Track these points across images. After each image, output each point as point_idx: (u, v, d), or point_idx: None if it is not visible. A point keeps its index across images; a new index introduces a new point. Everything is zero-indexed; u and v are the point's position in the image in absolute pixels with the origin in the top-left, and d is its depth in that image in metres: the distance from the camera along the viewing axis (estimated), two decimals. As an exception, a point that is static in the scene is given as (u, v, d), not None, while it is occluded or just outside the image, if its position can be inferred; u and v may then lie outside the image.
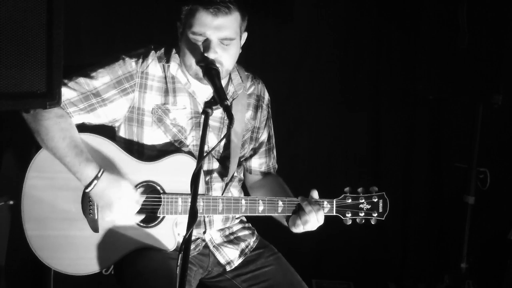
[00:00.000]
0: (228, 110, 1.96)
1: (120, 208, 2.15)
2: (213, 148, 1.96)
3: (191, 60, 2.20)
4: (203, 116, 2.30)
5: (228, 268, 2.41)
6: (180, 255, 1.62)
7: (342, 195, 2.36)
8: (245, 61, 2.47)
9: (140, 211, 2.22)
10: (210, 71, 2.12)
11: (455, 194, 3.48)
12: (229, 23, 2.18)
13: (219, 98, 2.00)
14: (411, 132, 3.81)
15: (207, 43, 2.18)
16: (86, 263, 2.22)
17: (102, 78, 2.24)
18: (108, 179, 2.14)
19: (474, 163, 3.27)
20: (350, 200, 2.36)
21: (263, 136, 2.56)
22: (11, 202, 2.33)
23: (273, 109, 2.67)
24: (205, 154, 1.85)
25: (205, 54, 2.17)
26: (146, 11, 3.40)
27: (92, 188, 2.13)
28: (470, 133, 3.26)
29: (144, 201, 2.24)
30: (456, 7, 3.03)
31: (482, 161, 3.29)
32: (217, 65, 2.18)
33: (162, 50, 2.33)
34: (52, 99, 1.85)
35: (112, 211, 2.15)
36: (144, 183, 2.25)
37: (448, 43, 3.12)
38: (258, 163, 2.58)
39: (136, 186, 2.23)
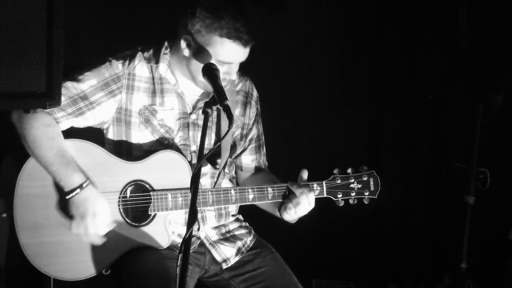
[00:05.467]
0: (228, 110, 1.96)
1: (90, 225, 2.14)
2: (212, 149, 1.96)
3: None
4: (192, 116, 2.34)
5: (224, 266, 2.41)
6: (180, 255, 1.62)
7: (331, 176, 2.36)
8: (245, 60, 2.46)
9: (127, 213, 2.23)
10: (210, 72, 2.12)
11: (455, 194, 3.48)
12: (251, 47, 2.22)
13: (219, 98, 2.00)
14: (411, 132, 3.81)
15: (231, 69, 2.22)
16: (83, 266, 2.22)
17: (89, 81, 2.25)
18: (91, 192, 2.15)
19: (474, 163, 3.27)
20: (339, 181, 2.36)
21: (253, 133, 2.56)
22: (4, 215, 2.32)
23: (273, 108, 2.67)
24: (204, 154, 1.85)
25: (226, 76, 2.21)
26: (146, 10, 3.40)
27: (73, 196, 2.13)
28: (470, 133, 3.26)
29: (135, 199, 2.25)
30: (456, 7, 3.03)
31: (482, 161, 3.29)
32: (228, 81, 2.25)
33: (151, 51, 2.34)
34: (52, 99, 1.85)
35: (81, 225, 2.14)
36: (132, 183, 2.25)
37: (448, 43, 3.12)
38: (249, 160, 2.58)
39: (125, 186, 2.24)
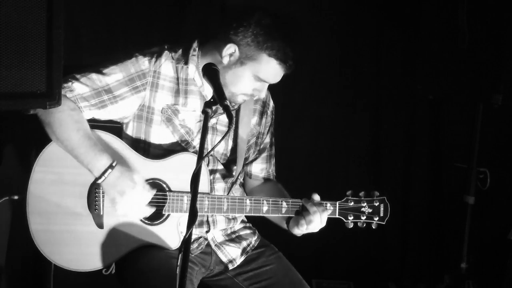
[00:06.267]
0: (227, 110, 1.95)
1: (133, 199, 2.14)
2: (212, 149, 1.96)
3: (237, 90, 2.24)
4: (212, 121, 2.35)
5: (230, 267, 2.42)
6: (180, 255, 1.62)
7: (345, 198, 2.39)
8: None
9: (150, 204, 2.21)
10: (211, 71, 2.12)
11: (455, 194, 3.48)
12: None
13: (219, 97, 2.00)
14: (411, 132, 3.81)
15: (264, 87, 2.27)
16: (89, 258, 2.22)
17: (114, 75, 2.25)
18: (121, 170, 2.15)
19: (474, 163, 3.26)
20: (352, 203, 2.39)
21: (266, 142, 2.59)
22: (16, 197, 2.33)
23: (273, 108, 2.67)
24: (205, 154, 1.85)
25: (256, 93, 2.27)
26: (146, 10, 3.40)
27: (105, 178, 2.12)
28: (470, 133, 3.26)
29: (156, 190, 2.24)
30: (456, 7, 3.03)
31: (482, 161, 3.28)
32: (255, 97, 2.33)
33: (180, 52, 2.33)
34: (52, 99, 1.85)
35: (125, 201, 2.13)
36: (150, 181, 2.25)
37: (448, 43, 3.12)
38: (259, 168, 2.60)
39: None
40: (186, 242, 1.63)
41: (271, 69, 2.21)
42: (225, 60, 2.23)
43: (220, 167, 2.41)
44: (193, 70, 2.32)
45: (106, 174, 2.12)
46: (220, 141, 1.97)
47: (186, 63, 2.31)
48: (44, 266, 2.30)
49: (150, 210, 2.21)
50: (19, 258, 2.73)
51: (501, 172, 3.42)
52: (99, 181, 2.14)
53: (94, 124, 2.28)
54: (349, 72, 3.73)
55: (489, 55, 2.98)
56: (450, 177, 3.70)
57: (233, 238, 2.47)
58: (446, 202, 3.76)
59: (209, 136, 2.36)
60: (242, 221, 2.56)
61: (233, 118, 1.97)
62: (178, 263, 1.62)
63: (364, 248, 3.84)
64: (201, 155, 1.84)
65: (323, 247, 3.80)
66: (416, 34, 3.43)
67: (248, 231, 2.53)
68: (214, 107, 2.21)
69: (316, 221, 2.27)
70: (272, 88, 2.60)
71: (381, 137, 3.81)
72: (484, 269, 3.55)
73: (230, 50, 2.22)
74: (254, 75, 2.22)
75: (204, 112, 1.98)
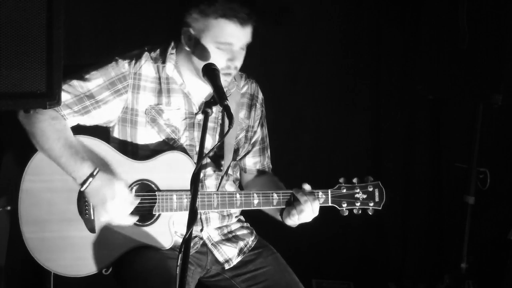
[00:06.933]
0: (228, 110, 1.96)
1: (113, 208, 2.14)
2: (212, 149, 1.96)
3: None
4: (197, 117, 2.34)
5: (227, 267, 2.41)
6: (180, 255, 1.62)
7: (337, 185, 2.34)
8: (245, 60, 2.46)
9: (134, 212, 2.21)
10: (210, 71, 2.12)
11: (455, 194, 3.48)
12: (250, 28, 2.22)
13: (219, 97, 2.00)
14: (411, 132, 3.81)
15: (233, 53, 2.21)
16: (84, 263, 2.23)
17: (95, 80, 2.25)
18: (103, 178, 2.14)
19: (474, 163, 3.26)
20: (345, 190, 2.34)
21: (257, 135, 2.57)
22: (8, 208, 2.33)
23: (273, 108, 2.67)
24: (205, 154, 1.85)
25: (230, 63, 2.20)
26: (146, 11, 3.40)
27: (87, 186, 2.13)
28: (470, 133, 3.26)
29: (140, 199, 2.25)
30: (456, 7, 3.03)
31: (482, 161, 3.28)
32: (233, 70, 2.23)
33: (158, 51, 2.34)
34: (52, 99, 1.85)
35: (106, 210, 2.15)
36: (138, 182, 2.25)
37: (448, 43, 3.12)
38: (252, 162, 2.59)
39: (130, 185, 2.24)
40: (186, 242, 1.63)
41: (226, 29, 2.17)
42: (189, 46, 2.24)
43: (209, 163, 2.40)
44: (171, 69, 2.32)
45: (87, 183, 2.13)
46: (220, 140, 1.97)
47: (164, 62, 2.32)
48: (44, 268, 2.29)
49: (132, 220, 2.20)
50: (19, 258, 2.72)
51: (501, 172, 3.42)
52: (82, 189, 2.14)
53: (82, 128, 2.29)
54: (349, 72, 3.73)
55: (489, 55, 2.98)
56: (450, 177, 3.70)
57: (230, 237, 2.47)
58: (446, 202, 3.76)
59: (196, 133, 2.35)
60: (239, 221, 2.56)
61: (233, 118, 1.96)
62: (178, 263, 1.62)
63: (364, 248, 3.84)
64: (201, 154, 1.85)
65: (323, 246, 3.80)
66: (416, 34, 3.43)
67: (245, 231, 2.53)
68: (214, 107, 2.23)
69: (308, 211, 2.25)
70: (272, 88, 2.61)
71: (381, 137, 3.81)
72: (484, 269, 3.55)
73: (186, 34, 2.23)
74: (214, 43, 2.19)
75: (204, 112, 1.99)
